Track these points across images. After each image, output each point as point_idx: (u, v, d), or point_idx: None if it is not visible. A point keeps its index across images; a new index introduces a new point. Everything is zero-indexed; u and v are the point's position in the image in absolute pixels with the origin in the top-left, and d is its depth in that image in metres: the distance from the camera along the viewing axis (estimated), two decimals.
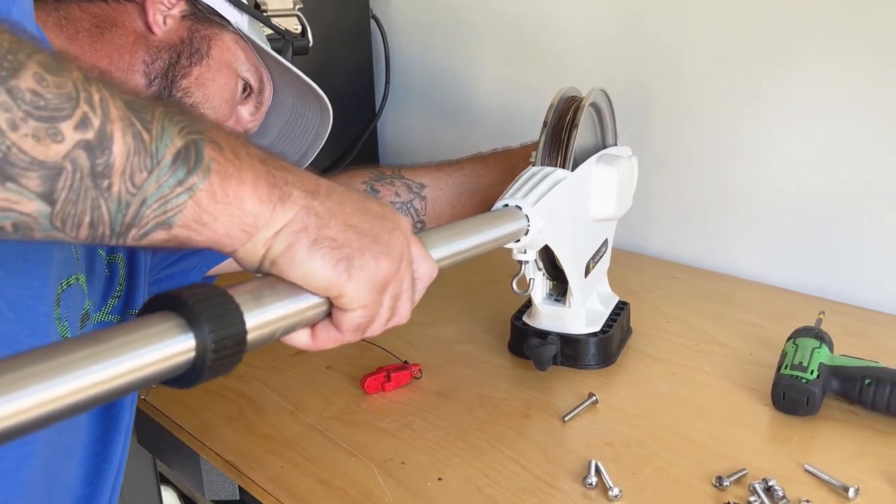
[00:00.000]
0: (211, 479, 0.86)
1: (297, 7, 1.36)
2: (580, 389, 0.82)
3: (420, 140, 1.58)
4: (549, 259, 0.86)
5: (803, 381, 0.76)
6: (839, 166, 1.01)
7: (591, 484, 0.67)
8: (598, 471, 0.68)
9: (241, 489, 0.82)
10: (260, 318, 0.38)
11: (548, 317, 0.88)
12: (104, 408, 0.59)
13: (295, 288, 0.41)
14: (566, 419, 0.78)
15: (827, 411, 0.76)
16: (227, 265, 0.86)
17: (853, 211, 1.02)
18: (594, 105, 0.88)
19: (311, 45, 1.40)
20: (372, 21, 1.52)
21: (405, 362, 0.88)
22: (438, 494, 0.67)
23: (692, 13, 1.10)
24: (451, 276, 1.08)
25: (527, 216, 0.70)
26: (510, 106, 1.39)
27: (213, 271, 0.85)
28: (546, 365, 0.85)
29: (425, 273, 0.49)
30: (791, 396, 0.76)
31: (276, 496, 0.68)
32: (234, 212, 0.38)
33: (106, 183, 0.33)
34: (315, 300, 0.42)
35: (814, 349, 0.79)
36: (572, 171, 0.79)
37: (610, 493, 0.66)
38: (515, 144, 0.97)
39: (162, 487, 1.08)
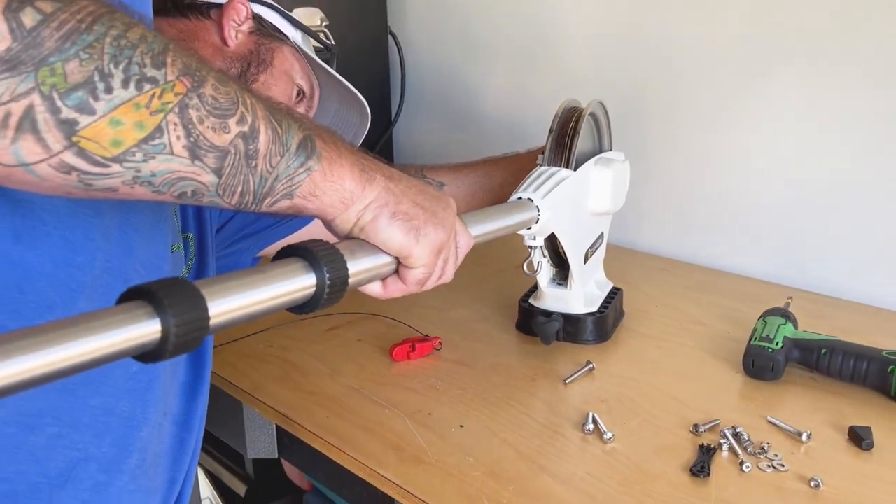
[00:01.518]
0: (253, 438, 0.99)
1: (324, 24, 1.50)
2: (579, 359, 0.95)
3: (432, 146, 1.71)
4: (552, 248, 0.99)
5: (769, 350, 0.89)
6: (804, 173, 1.16)
7: (588, 430, 0.80)
8: (594, 421, 0.81)
9: (279, 448, 0.95)
10: (355, 268, 0.51)
11: (552, 298, 1.01)
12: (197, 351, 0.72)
13: (375, 249, 0.54)
14: (567, 382, 0.91)
15: (789, 377, 0.90)
16: (268, 251, 0.99)
17: (818, 211, 1.15)
18: (593, 115, 1.02)
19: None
20: (389, 36, 1.66)
21: (427, 335, 1.01)
22: (461, 438, 0.80)
23: (680, 34, 1.24)
24: (463, 267, 1.21)
25: (537, 207, 0.83)
26: (515, 114, 1.53)
27: (259, 254, 0.99)
28: (550, 339, 0.98)
29: (464, 244, 0.62)
30: (759, 364, 0.89)
31: (326, 439, 0.81)
32: (337, 188, 0.51)
33: (254, 163, 0.46)
34: (388, 259, 0.55)
35: (780, 325, 0.93)
36: (574, 170, 0.92)
37: (604, 436, 0.79)
38: (523, 149, 1.11)
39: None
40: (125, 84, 0.39)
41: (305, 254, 0.48)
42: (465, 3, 1.57)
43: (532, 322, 1.00)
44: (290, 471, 1.43)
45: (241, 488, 1.38)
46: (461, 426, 0.82)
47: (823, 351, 0.89)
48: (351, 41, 1.55)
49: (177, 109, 0.41)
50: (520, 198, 0.84)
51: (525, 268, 0.94)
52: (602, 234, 1.05)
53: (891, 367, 0.84)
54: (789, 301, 1.01)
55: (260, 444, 1.00)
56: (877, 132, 1.08)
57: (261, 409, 0.90)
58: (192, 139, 0.42)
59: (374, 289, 0.58)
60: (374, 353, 0.99)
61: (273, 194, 0.48)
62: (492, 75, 1.56)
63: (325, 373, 0.94)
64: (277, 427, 0.95)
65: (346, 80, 0.98)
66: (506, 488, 0.72)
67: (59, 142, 0.37)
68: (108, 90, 0.38)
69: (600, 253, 1.06)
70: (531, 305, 1.03)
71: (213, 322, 0.40)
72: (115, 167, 0.40)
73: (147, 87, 0.40)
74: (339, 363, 0.97)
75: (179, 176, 0.42)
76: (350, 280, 0.50)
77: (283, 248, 0.49)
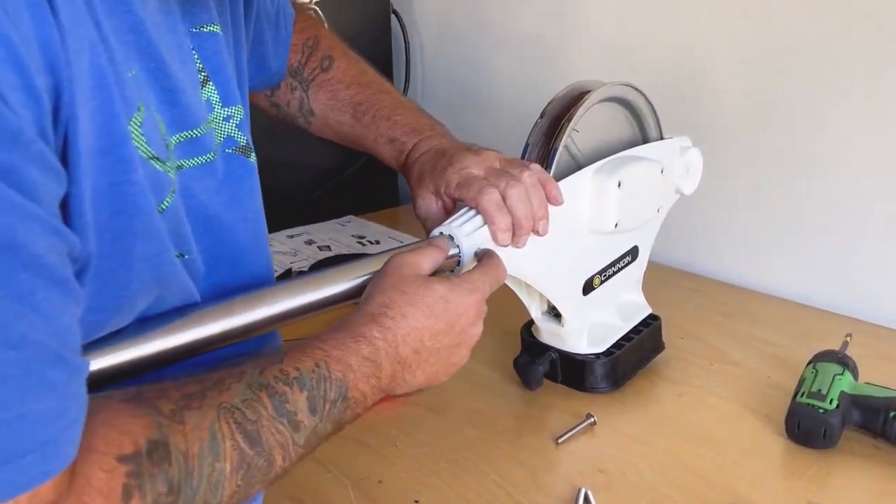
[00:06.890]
0: None
1: (313, 1, 1.34)
2: (579, 409, 0.77)
3: None
4: None
5: (821, 410, 0.69)
6: (874, 177, 0.94)
7: None
8: (587, 500, 0.63)
9: None
10: None
11: (547, 333, 0.82)
12: None
13: None
14: (559, 441, 0.72)
15: (846, 445, 0.70)
16: None
17: (888, 227, 0.94)
18: (622, 100, 0.81)
19: None
20: (392, 16, 1.49)
21: None
22: None
23: (714, 34, 1.04)
24: None
25: (458, 246, 0.63)
26: (527, 102, 1.34)
27: None
28: (535, 385, 0.80)
29: None
30: (807, 427, 0.70)
31: None
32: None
33: None
34: None
35: (835, 375, 0.73)
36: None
37: None
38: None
39: None
40: None
41: None
42: None
43: (515, 361, 0.81)
44: None
45: None
46: (416, 501, 0.65)
47: (892, 413, 0.69)
48: (348, 21, 1.39)
49: None
50: (440, 233, 0.64)
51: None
52: (631, 250, 0.84)
53: None
54: (847, 340, 0.81)
55: None
56: None
57: None
58: None
59: None
60: None
61: None
62: (503, 60, 1.39)
63: None
64: None
65: None
66: None
67: None
68: None
69: (626, 275, 0.85)
70: (533, 337, 0.84)
71: None
72: None
73: None
74: None
75: None
76: None
77: None
